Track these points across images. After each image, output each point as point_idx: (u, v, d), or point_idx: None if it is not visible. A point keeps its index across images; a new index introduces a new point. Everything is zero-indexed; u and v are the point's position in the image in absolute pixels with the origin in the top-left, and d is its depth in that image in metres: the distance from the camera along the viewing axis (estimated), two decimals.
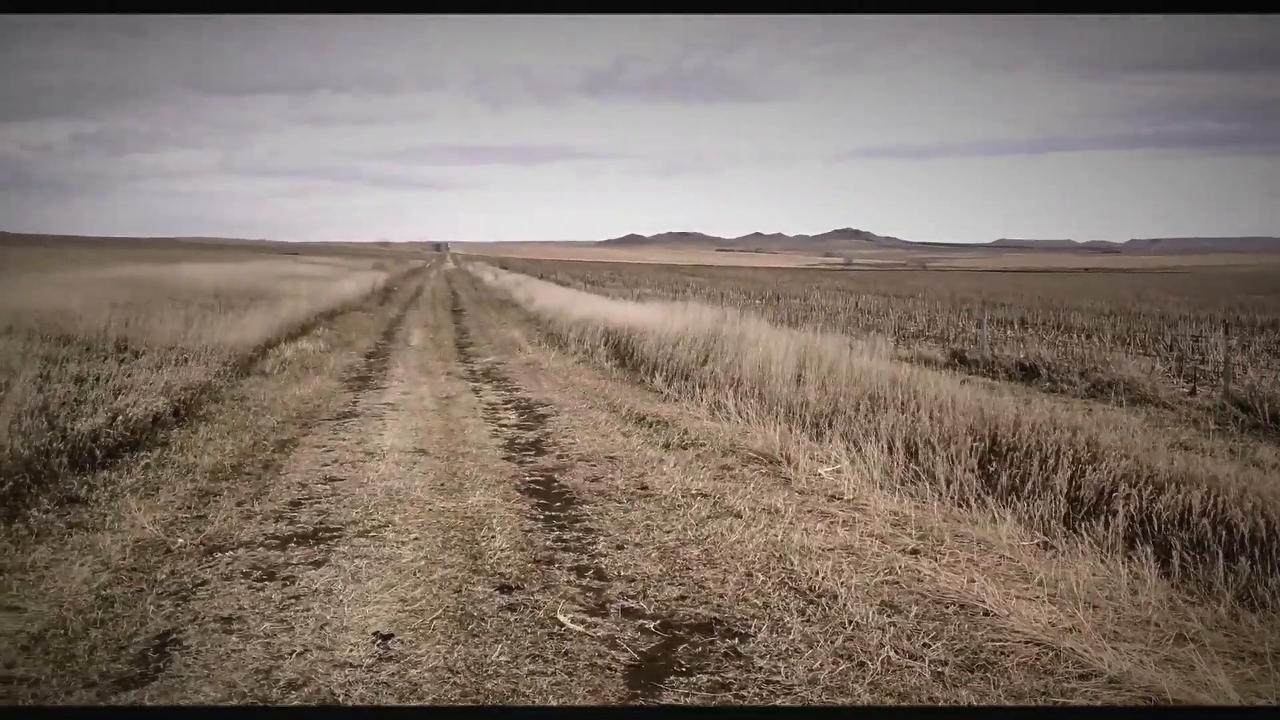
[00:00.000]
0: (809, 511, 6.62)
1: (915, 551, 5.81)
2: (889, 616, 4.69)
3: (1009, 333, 23.23)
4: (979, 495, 7.12)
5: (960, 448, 8.07)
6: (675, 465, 7.98)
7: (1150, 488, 6.88)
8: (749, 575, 5.28)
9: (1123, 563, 5.65)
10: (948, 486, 7.30)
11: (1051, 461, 7.55)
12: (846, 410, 9.73)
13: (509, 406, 11.32)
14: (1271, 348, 20.08)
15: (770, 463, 8.08)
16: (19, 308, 14.31)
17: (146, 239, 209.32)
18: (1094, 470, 7.28)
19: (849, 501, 6.94)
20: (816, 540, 5.89)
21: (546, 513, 6.62)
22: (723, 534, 6.02)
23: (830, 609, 4.78)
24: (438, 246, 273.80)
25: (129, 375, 10.63)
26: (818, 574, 5.22)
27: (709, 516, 6.44)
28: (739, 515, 6.44)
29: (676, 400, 11.66)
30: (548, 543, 5.92)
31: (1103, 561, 5.68)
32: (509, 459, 8.38)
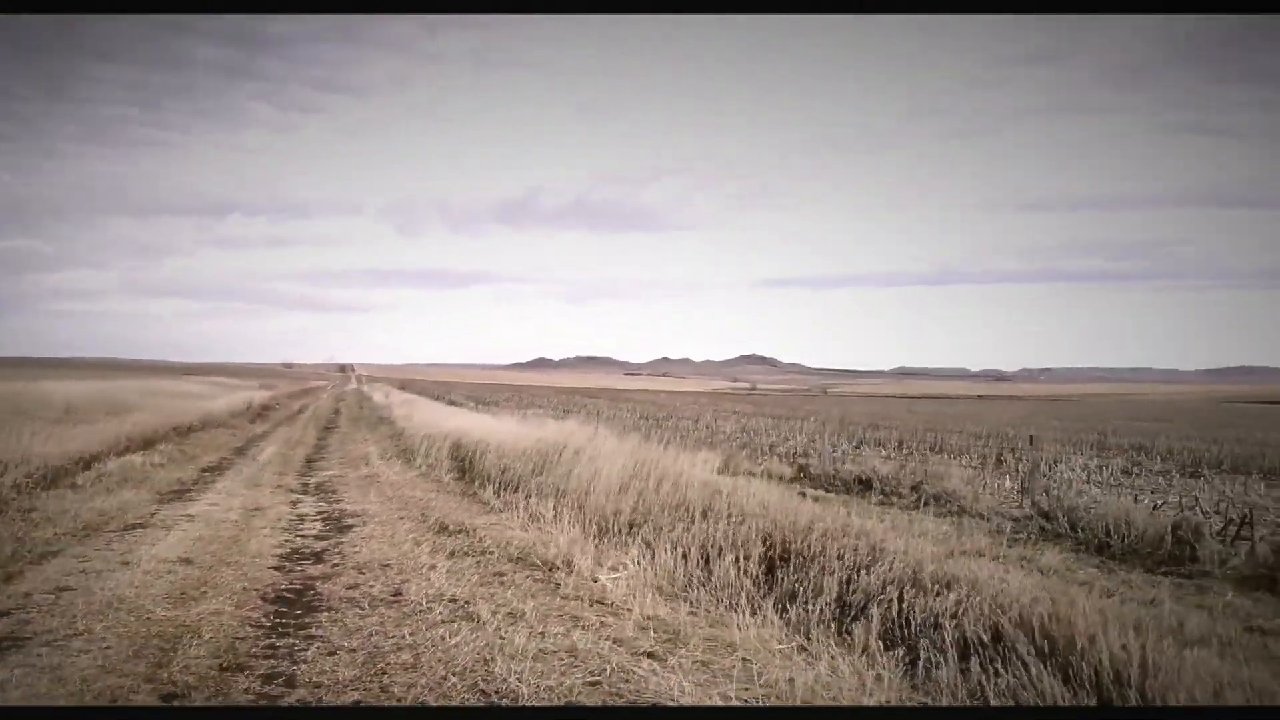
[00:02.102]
0: (559, 616, 6.29)
1: (650, 654, 5.52)
2: None
3: (882, 452, 23.42)
4: (754, 600, 6.93)
5: (749, 553, 7.87)
6: (445, 572, 7.57)
7: (916, 590, 6.73)
8: (444, 679, 4.91)
9: (869, 665, 5.51)
10: (724, 591, 7.10)
11: (832, 566, 7.38)
12: (657, 519, 9.48)
13: (318, 518, 10.82)
14: (1127, 469, 20.69)
15: (549, 569, 7.75)
16: None
17: (41, 359, 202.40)
18: (867, 574, 7.12)
19: (610, 606, 6.64)
20: (543, 644, 5.55)
21: (277, 620, 6.17)
22: (445, 638, 5.64)
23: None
24: (343, 368, 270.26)
25: None
26: (514, 675, 4.88)
27: (442, 621, 6.05)
28: (475, 619, 6.07)
29: (500, 511, 11.29)
30: (254, 650, 5.48)
31: (844, 661, 5.50)
32: (278, 568, 7.89)
